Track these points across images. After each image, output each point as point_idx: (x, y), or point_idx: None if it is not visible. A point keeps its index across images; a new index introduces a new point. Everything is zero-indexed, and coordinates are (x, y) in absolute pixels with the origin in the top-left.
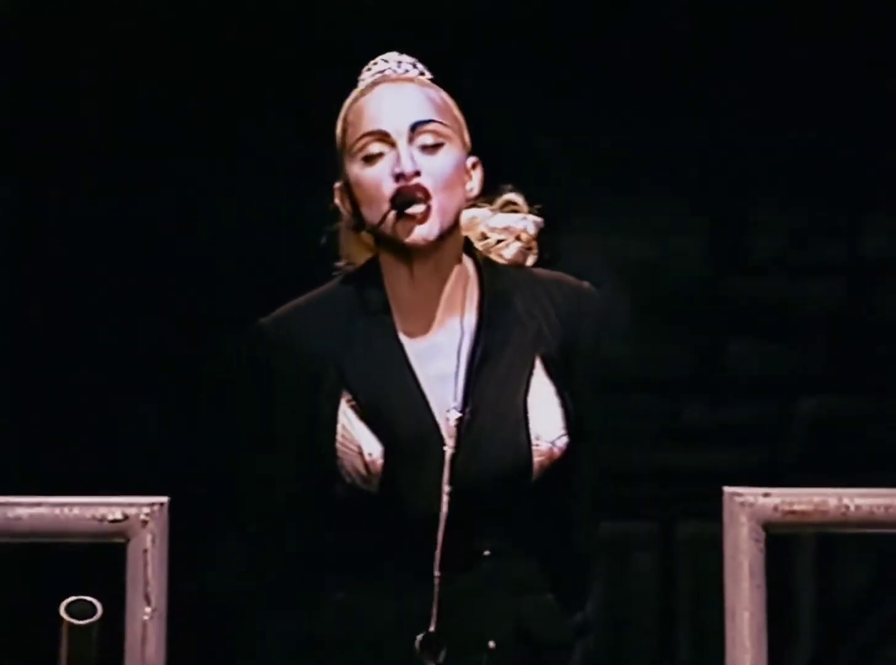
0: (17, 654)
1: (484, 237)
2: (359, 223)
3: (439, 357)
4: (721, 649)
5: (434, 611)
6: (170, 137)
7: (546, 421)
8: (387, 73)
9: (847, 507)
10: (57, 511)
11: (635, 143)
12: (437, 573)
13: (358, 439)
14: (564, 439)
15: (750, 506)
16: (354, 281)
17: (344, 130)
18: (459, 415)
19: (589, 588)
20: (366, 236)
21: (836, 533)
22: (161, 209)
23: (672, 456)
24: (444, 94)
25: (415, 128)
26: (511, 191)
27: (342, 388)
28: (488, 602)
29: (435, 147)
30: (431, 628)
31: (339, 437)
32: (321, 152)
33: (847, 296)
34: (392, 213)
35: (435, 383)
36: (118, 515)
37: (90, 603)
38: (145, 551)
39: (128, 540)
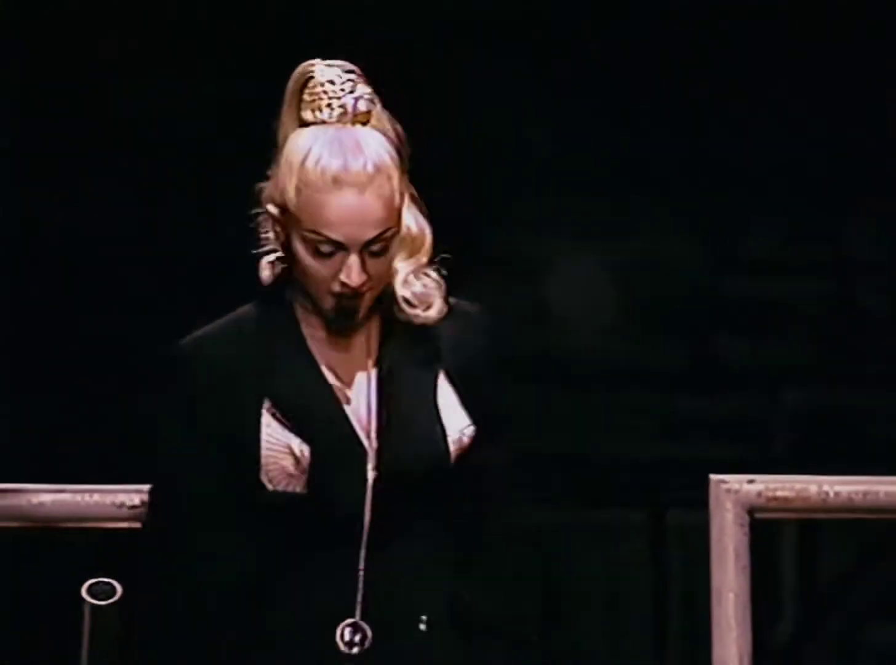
0: (41, 634)
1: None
2: (288, 259)
3: (351, 370)
4: (708, 629)
5: (359, 599)
6: (170, 138)
7: (454, 416)
8: (350, 166)
9: (827, 493)
10: (78, 497)
11: (630, 146)
12: (361, 565)
13: (286, 440)
14: (472, 428)
15: (735, 492)
16: (267, 304)
17: (297, 200)
18: (376, 415)
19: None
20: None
21: (818, 518)
22: (169, 207)
23: (663, 446)
24: (391, 162)
25: (368, 243)
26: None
27: (263, 399)
28: (419, 584)
29: (382, 251)
30: (357, 617)
31: (265, 445)
32: None
33: (831, 294)
34: (331, 309)
35: (347, 391)
36: (136, 502)
37: (110, 584)
38: None
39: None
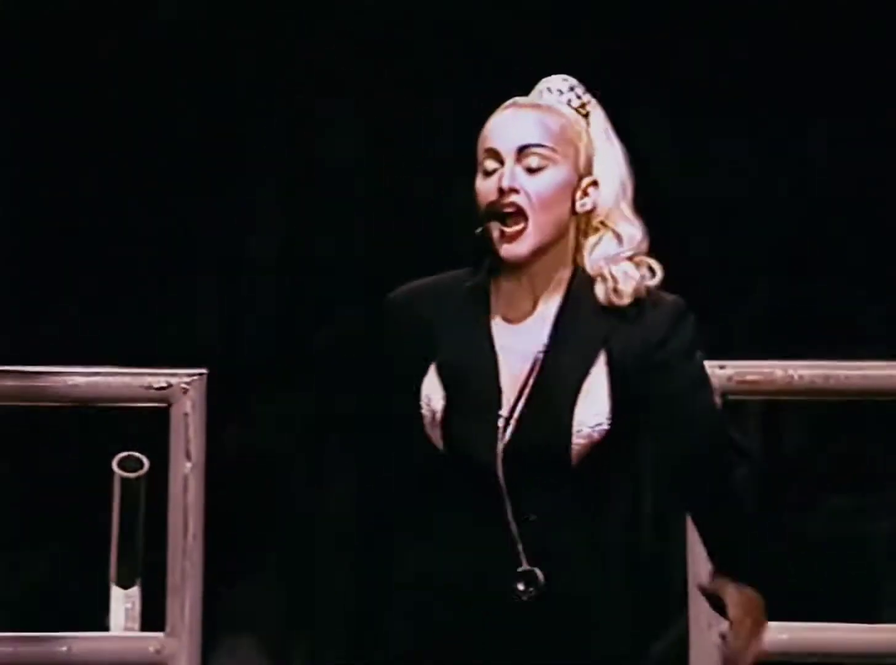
0: (77, 503)
1: (602, 277)
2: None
3: (519, 339)
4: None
5: (520, 549)
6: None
7: (592, 409)
8: (535, 96)
9: (792, 377)
10: (110, 380)
11: (614, 57)
12: (509, 517)
13: (429, 394)
14: (604, 427)
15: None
16: (472, 271)
17: (481, 142)
18: (519, 389)
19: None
20: None
21: (783, 399)
22: None
23: None
24: (573, 122)
25: (522, 150)
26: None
27: (434, 354)
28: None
29: (538, 169)
30: (525, 567)
31: (422, 396)
32: None
33: (795, 193)
34: (490, 226)
35: (510, 361)
36: (163, 384)
37: (138, 458)
38: (186, 415)
39: (171, 405)
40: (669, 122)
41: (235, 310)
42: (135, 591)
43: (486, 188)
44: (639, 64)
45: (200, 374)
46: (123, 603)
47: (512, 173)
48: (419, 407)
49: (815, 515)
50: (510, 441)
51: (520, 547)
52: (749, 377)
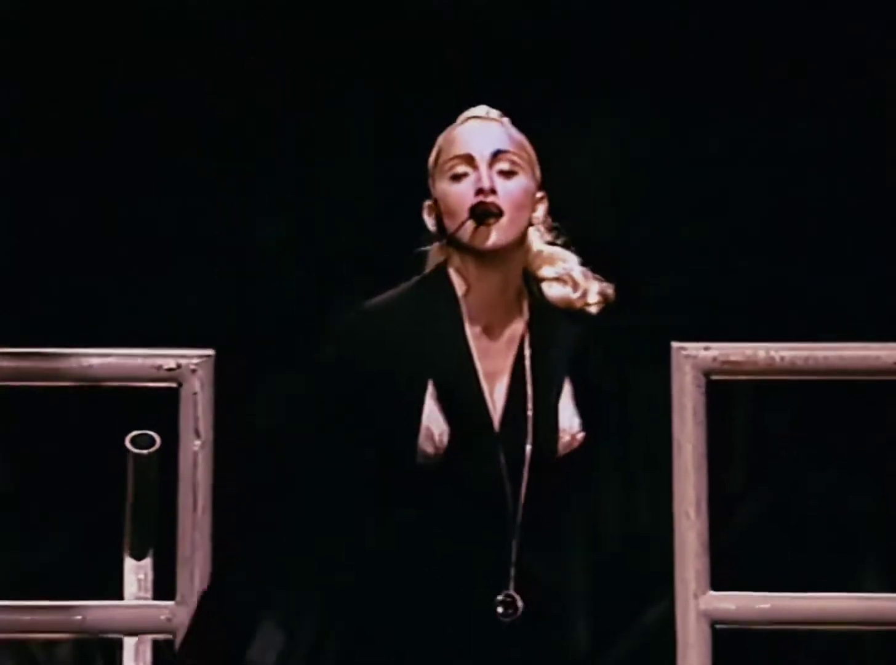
0: (92, 478)
1: (559, 280)
2: (440, 232)
3: (496, 358)
4: (670, 475)
5: (512, 574)
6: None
7: (571, 418)
8: (477, 114)
9: (773, 357)
10: (123, 361)
11: (615, 63)
12: (514, 542)
13: (428, 422)
14: (582, 434)
15: (693, 357)
16: (426, 285)
17: (437, 155)
18: (503, 407)
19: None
20: (441, 250)
21: (765, 379)
22: None
23: (632, 317)
24: (522, 137)
25: (495, 155)
26: (605, 284)
27: (427, 378)
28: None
29: (510, 173)
30: (510, 590)
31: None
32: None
33: (776, 182)
34: (469, 222)
35: (490, 378)
36: (172, 364)
37: (150, 436)
38: (195, 394)
39: (180, 385)
40: (652, 113)
41: (244, 291)
42: (147, 562)
43: (460, 191)
44: (619, 56)
45: (209, 356)
46: (136, 573)
47: (489, 175)
48: (416, 427)
49: (797, 491)
50: (506, 458)
51: (512, 570)
52: (733, 358)
